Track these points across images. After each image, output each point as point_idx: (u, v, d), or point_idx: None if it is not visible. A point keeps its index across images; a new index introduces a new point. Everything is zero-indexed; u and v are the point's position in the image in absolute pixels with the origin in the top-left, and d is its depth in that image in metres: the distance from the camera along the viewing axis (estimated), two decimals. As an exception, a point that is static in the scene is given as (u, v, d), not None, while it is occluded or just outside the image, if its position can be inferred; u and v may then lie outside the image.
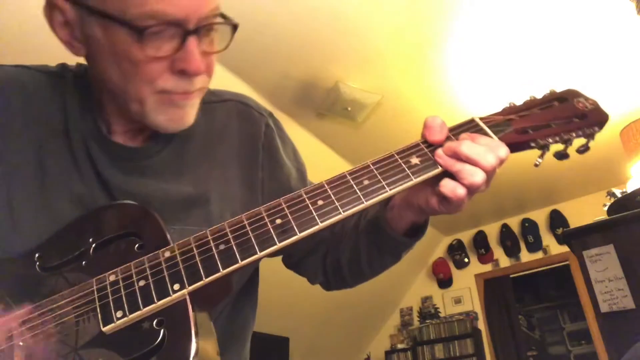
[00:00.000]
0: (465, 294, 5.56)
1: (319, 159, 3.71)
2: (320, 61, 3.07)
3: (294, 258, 0.89)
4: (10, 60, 0.79)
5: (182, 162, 0.76)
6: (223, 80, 3.02)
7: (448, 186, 0.62)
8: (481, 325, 5.31)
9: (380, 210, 0.75)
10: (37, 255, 0.62)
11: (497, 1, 2.71)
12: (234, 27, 0.68)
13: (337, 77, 3.20)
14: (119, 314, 0.55)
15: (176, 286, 0.56)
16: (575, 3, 2.74)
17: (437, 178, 0.63)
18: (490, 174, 0.63)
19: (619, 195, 2.26)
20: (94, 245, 0.62)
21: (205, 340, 0.54)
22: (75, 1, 0.63)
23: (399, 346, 5.60)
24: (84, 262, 0.61)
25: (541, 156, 0.71)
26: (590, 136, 0.71)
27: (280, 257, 0.88)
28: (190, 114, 0.69)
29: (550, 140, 0.69)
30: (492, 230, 5.59)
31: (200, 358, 0.52)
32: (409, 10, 2.73)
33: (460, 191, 0.62)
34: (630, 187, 2.49)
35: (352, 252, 0.82)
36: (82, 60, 0.80)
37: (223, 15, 0.67)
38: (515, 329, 5.20)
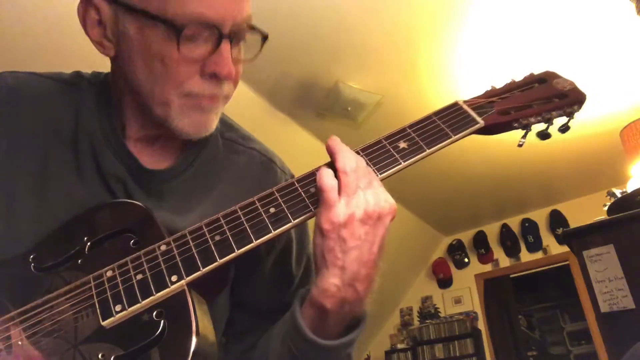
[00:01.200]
0: (465, 294, 5.56)
1: (319, 159, 3.70)
2: (320, 61, 3.07)
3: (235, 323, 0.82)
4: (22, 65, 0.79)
5: (190, 194, 0.75)
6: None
7: (322, 176, 0.61)
8: (481, 325, 5.31)
9: (302, 293, 0.68)
10: (31, 256, 0.62)
11: (498, 1, 2.71)
12: (264, 38, 0.69)
13: (337, 77, 3.20)
14: (118, 307, 0.55)
15: (174, 277, 0.56)
16: (575, 3, 2.74)
17: None
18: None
19: (619, 195, 2.26)
20: (89, 244, 0.62)
21: (205, 330, 0.54)
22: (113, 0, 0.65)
23: (399, 346, 5.59)
24: (79, 261, 0.61)
25: (524, 136, 0.73)
26: (570, 115, 0.74)
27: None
28: (213, 120, 0.69)
29: (532, 119, 0.71)
30: (492, 230, 5.59)
31: (200, 347, 0.52)
32: (410, 10, 2.73)
33: (330, 181, 0.60)
34: (630, 187, 2.49)
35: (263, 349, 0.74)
36: (98, 68, 0.81)
37: (253, 26, 0.69)
38: (515, 329, 5.20)
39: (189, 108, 0.66)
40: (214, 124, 0.70)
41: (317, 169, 0.64)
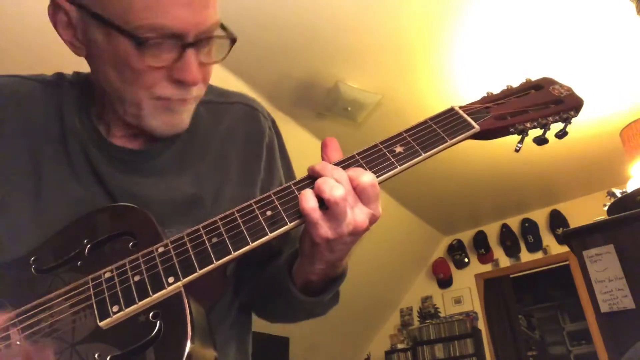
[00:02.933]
0: (465, 294, 5.56)
1: (318, 159, 3.69)
2: (320, 61, 3.07)
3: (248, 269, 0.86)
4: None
5: (184, 163, 0.77)
6: (223, 80, 3.02)
7: (306, 203, 0.59)
8: (481, 325, 5.31)
9: (292, 254, 0.73)
10: (32, 258, 0.63)
11: (498, 1, 2.71)
12: (232, 40, 0.70)
13: (337, 77, 3.20)
14: (115, 308, 0.55)
15: (171, 279, 0.57)
16: (575, 3, 2.74)
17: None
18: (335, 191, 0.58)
19: (619, 195, 2.26)
20: (88, 246, 0.63)
21: (201, 331, 0.55)
22: (80, 5, 0.65)
23: (399, 346, 5.60)
24: (79, 263, 0.62)
25: (520, 141, 0.73)
26: (566, 120, 0.74)
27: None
28: (185, 119, 0.71)
29: (528, 125, 0.72)
30: (492, 230, 5.58)
31: (195, 348, 0.52)
32: (409, 9, 2.73)
33: (315, 214, 0.58)
34: (630, 187, 2.49)
35: (264, 285, 0.79)
36: (79, 68, 0.81)
37: (223, 27, 0.69)
38: (515, 329, 5.20)
39: (159, 110, 0.68)
40: (187, 121, 0.72)
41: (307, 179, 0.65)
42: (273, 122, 0.91)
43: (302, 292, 0.70)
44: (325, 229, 0.59)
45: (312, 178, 0.63)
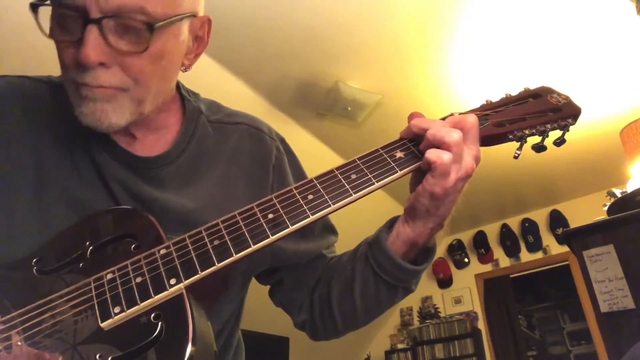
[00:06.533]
0: (465, 294, 5.56)
1: (318, 159, 3.70)
2: (320, 61, 3.07)
3: (282, 289, 0.89)
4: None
5: (189, 177, 0.77)
6: (223, 80, 3.02)
7: (432, 152, 0.64)
8: (481, 325, 5.31)
9: (382, 230, 0.75)
10: (34, 259, 0.63)
11: (498, 1, 2.71)
12: (150, 29, 0.62)
13: (337, 77, 3.20)
14: (117, 309, 0.55)
15: (173, 281, 0.57)
16: (575, 3, 2.74)
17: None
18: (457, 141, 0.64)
19: (619, 195, 2.26)
20: (90, 248, 0.63)
21: (202, 332, 0.55)
22: None
23: (399, 346, 5.60)
24: (81, 264, 0.62)
25: (519, 148, 0.75)
26: (564, 128, 0.75)
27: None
28: (106, 111, 0.64)
29: (527, 132, 0.73)
30: (492, 230, 5.59)
31: (196, 349, 0.52)
32: (409, 10, 2.73)
33: (445, 156, 0.63)
34: (630, 187, 2.49)
35: (345, 282, 0.79)
36: None
37: (153, 16, 0.62)
38: (515, 329, 5.20)
39: (76, 96, 0.64)
40: (111, 115, 0.64)
41: (317, 177, 0.65)
42: (282, 141, 0.91)
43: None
44: (451, 177, 0.62)
45: (312, 182, 0.65)
